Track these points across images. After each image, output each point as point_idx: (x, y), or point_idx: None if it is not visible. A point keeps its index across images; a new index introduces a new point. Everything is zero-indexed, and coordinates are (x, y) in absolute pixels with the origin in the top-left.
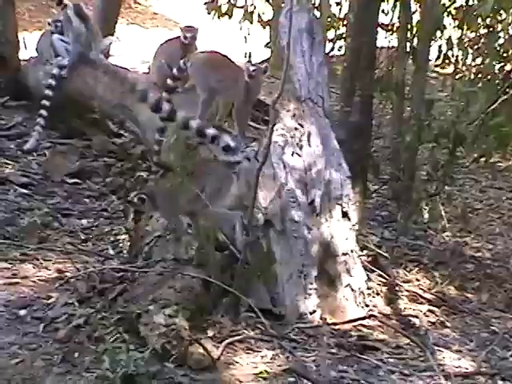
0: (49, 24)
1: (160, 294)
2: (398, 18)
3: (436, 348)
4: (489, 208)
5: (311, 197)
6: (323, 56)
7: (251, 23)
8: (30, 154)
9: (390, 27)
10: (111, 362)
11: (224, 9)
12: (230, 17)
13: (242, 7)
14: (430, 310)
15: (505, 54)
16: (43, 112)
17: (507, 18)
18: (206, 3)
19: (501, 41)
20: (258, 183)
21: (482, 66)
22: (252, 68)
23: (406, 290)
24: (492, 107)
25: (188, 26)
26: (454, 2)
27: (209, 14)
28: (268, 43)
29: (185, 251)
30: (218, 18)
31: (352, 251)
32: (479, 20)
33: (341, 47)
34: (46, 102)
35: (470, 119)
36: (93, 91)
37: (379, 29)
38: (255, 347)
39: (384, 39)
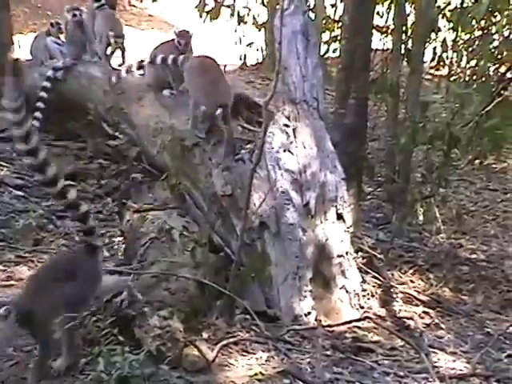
0: (51, 25)
1: (155, 296)
2: (393, 20)
3: (431, 350)
4: (483, 210)
5: (306, 199)
6: (318, 58)
7: (241, 23)
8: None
9: (384, 29)
10: (106, 364)
11: (215, 10)
12: (217, 17)
13: (228, 6)
14: (424, 312)
15: (499, 56)
16: (38, 114)
17: (502, 20)
18: (197, 6)
19: (495, 43)
20: (252, 185)
21: (476, 68)
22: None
23: (401, 292)
24: (486, 109)
25: (182, 31)
26: (449, 3)
27: (200, 17)
28: (250, 44)
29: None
30: (210, 20)
31: (347, 253)
32: (474, 22)
33: (336, 49)
34: (40, 104)
35: (465, 121)
36: (88, 93)
37: (374, 31)
38: (250, 349)
39: (379, 41)
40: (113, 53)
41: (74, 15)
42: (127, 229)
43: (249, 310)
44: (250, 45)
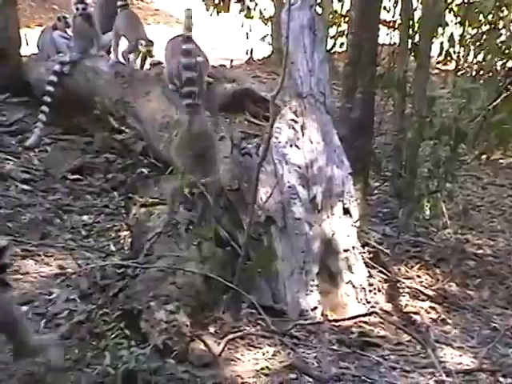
0: (58, 19)
1: (161, 290)
2: (400, 14)
3: (437, 345)
4: (490, 205)
5: (312, 193)
6: (325, 52)
7: (251, 18)
8: (32, 150)
9: (391, 24)
10: (112, 358)
11: (225, 5)
12: (228, 11)
13: (239, 1)
14: (431, 307)
15: (506, 51)
16: (45, 108)
17: (509, 15)
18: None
19: (502, 37)
20: (259, 179)
21: (483, 63)
22: None
23: (408, 287)
24: (493, 104)
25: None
26: None
27: (207, 10)
28: (265, 36)
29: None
30: (217, 14)
31: (353, 248)
32: (481, 17)
33: (342, 44)
34: (47, 99)
35: (472, 116)
36: (94, 87)
37: (381, 25)
38: (256, 343)
39: (386, 36)
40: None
41: (83, 9)
42: (133, 223)
43: (255, 305)
44: (263, 38)
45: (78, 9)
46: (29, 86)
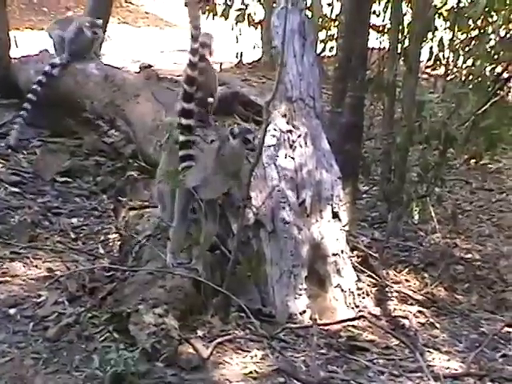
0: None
1: (150, 293)
2: (390, 19)
3: (425, 349)
4: (479, 209)
5: (302, 197)
6: (315, 57)
7: (242, 22)
8: (20, 152)
9: (381, 28)
10: (101, 361)
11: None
12: (226, 18)
13: (239, 10)
14: (419, 311)
15: (496, 56)
16: (27, 105)
17: (498, 20)
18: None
19: (492, 43)
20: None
21: (473, 68)
22: None
23: (396, 291)
24: (483, 109)
25: None
26: (446, 3)
27: (203, 13)
28: (255, 46)
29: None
30: (213, 18)
31: (342, 252)
32: (470, 22)
33: (332, 48)
34: (32, 97)
35: (461, 121)
36: (84, 90)
37: (371, 30)
38: (245, 347)
39: (375, 40)
40: None
41: (95, 33)
42: (123, 226)
43: (244, 308)
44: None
45: (96, 33)
46: (18, 88)
